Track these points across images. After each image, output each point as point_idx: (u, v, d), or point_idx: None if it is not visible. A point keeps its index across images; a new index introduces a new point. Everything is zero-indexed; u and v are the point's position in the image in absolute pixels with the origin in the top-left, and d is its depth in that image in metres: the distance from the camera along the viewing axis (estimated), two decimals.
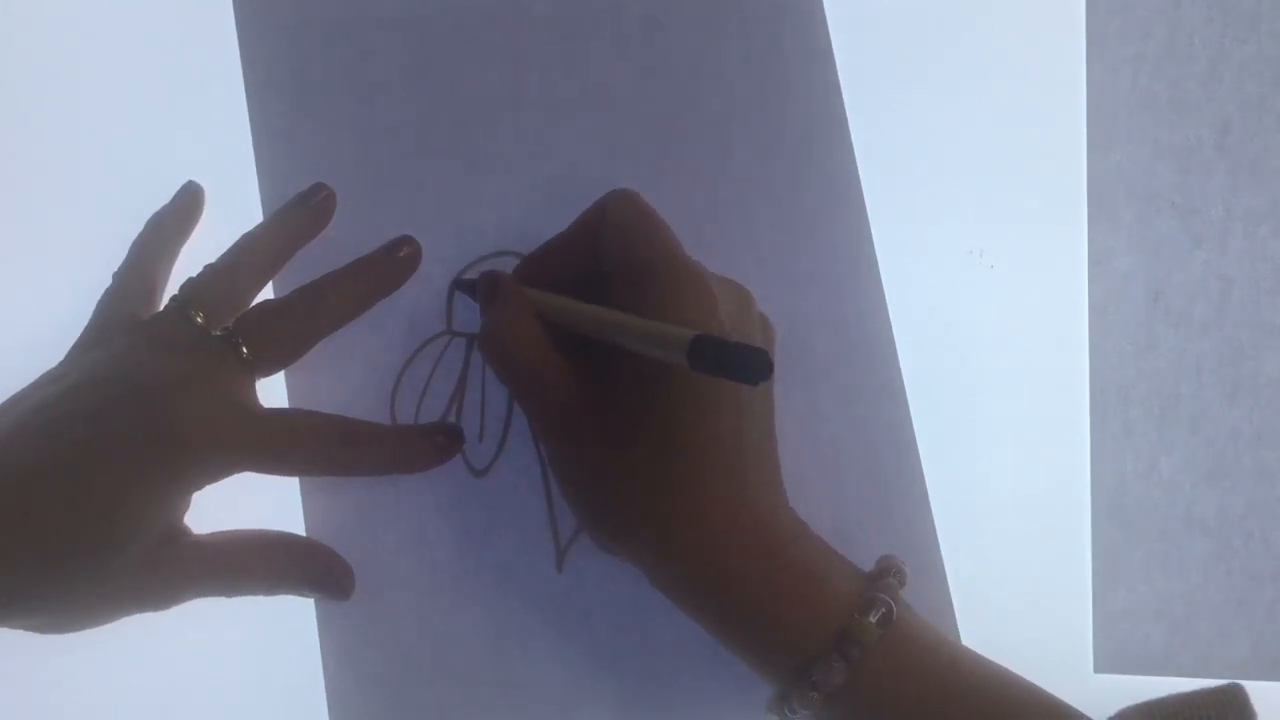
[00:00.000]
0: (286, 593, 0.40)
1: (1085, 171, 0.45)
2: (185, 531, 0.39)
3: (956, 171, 0.44)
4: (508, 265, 0.43)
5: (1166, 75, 0.45)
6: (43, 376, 0.39)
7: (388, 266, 0.43)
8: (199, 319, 0.39)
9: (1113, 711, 0.34)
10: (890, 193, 0.43)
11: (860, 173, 0.43)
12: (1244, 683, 0.34)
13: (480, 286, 0.40)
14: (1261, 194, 0.45)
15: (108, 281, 0.41)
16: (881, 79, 0.44)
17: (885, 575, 0.37)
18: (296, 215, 0.43)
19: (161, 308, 0.41)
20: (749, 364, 0.31)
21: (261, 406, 0.40)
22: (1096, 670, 0.44)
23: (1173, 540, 0.45)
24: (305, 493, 0.43)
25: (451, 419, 0.43)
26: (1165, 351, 0.45)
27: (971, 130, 0.44)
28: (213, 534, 0.39)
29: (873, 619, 0.35)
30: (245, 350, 0.39)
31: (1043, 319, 0.44)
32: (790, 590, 0.36)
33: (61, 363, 0.39)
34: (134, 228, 0.43)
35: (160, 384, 0.37)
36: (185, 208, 0.43)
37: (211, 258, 0.41)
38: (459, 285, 0.43)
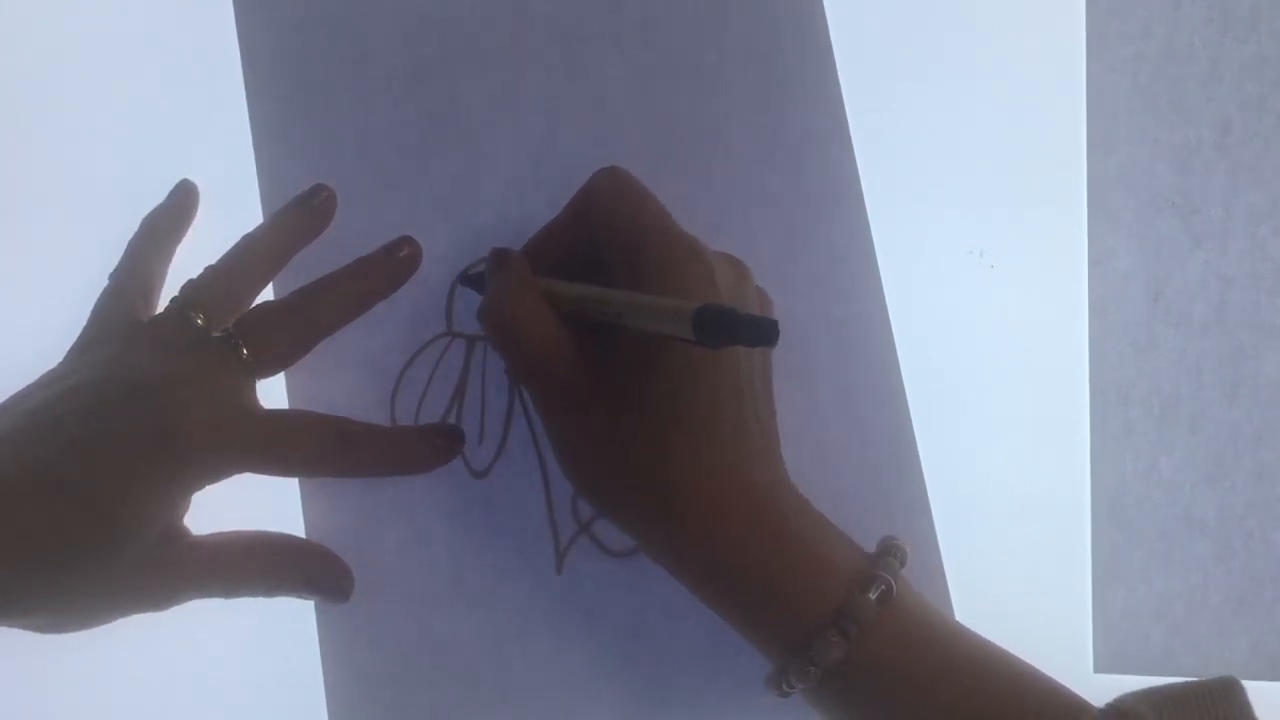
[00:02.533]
0: (285, 595, 0.40)
1: (1085, 171, 0.45)
2: (185, 532, 0.39)
3: (956, 171, 0.44)
4: None
5: (1166, 75, 0.45)
6: (42, 377, 0.39)
7: (388, 267, 0.43)
8: (199, 320, 0.39)
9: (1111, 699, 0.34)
10: (890, 193, 0.43)
11: (860, 173, 0.43)
12: (1244, 683, 0.34)
13: (490, 260, 0.40)
14: (1261, 194, 0.45)
15: (106, 282, 0.41)
16: (881, 79, 0.44)
17: (886, 554, 0.37)
18: (296, 216, 0.43)
19: (161, 308, 0.41)
20: (756, 330, 0.31)
21: (261, 407, 0.40)
22: (1096, 670, 0.44)
23: (1173, 540, 0.45)
24: (305, 493, 0.43)
25: (451, 420, 0.43)
26: (1165, 351, 0.45)
27: (971, 130, 0.44)
28: (212, 535, 0.39)
29: (872, 596, 0.34)
30: (245, 351, 0.39)
31: (1043, 319, 0.44)
32: (791, 563, 0.35)
33: (61, 363, 0.39)
34: (134, 228, 0.43)
35: (160, 385, 0.37)
36: (179, 206, 0.43)
37: (211, 258, 0.41)
38: (465, 280, 0.43)
